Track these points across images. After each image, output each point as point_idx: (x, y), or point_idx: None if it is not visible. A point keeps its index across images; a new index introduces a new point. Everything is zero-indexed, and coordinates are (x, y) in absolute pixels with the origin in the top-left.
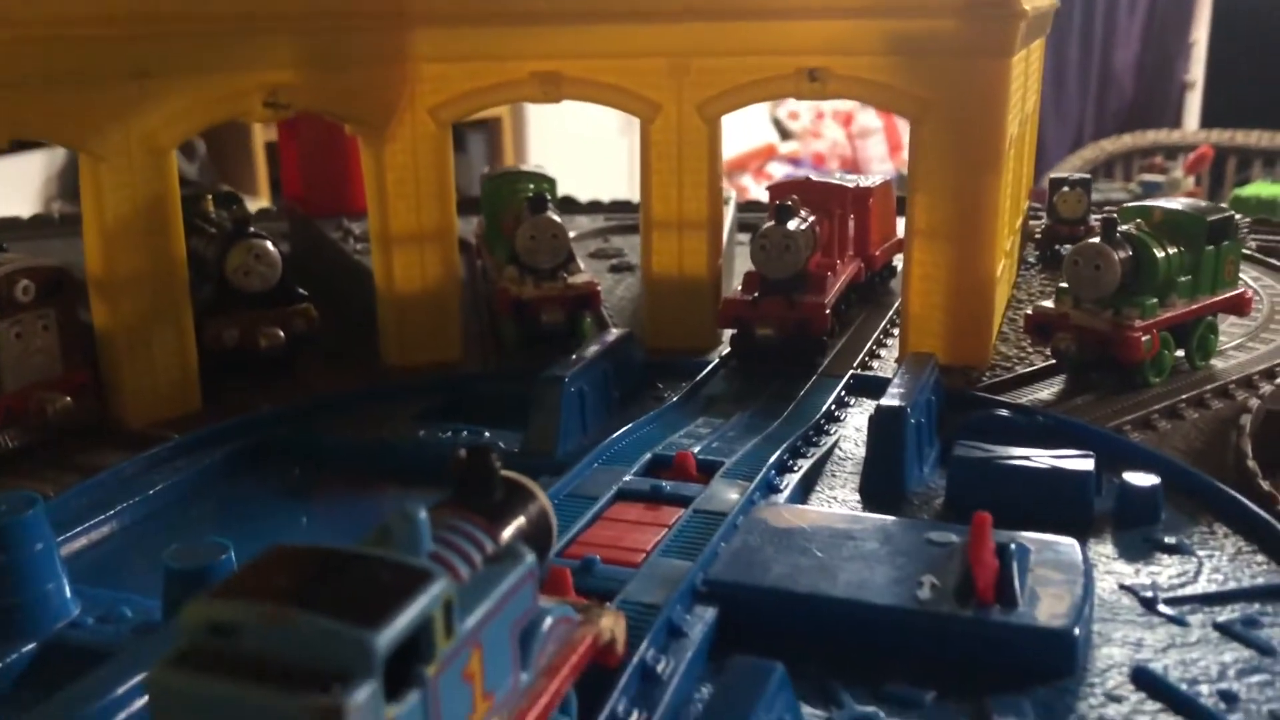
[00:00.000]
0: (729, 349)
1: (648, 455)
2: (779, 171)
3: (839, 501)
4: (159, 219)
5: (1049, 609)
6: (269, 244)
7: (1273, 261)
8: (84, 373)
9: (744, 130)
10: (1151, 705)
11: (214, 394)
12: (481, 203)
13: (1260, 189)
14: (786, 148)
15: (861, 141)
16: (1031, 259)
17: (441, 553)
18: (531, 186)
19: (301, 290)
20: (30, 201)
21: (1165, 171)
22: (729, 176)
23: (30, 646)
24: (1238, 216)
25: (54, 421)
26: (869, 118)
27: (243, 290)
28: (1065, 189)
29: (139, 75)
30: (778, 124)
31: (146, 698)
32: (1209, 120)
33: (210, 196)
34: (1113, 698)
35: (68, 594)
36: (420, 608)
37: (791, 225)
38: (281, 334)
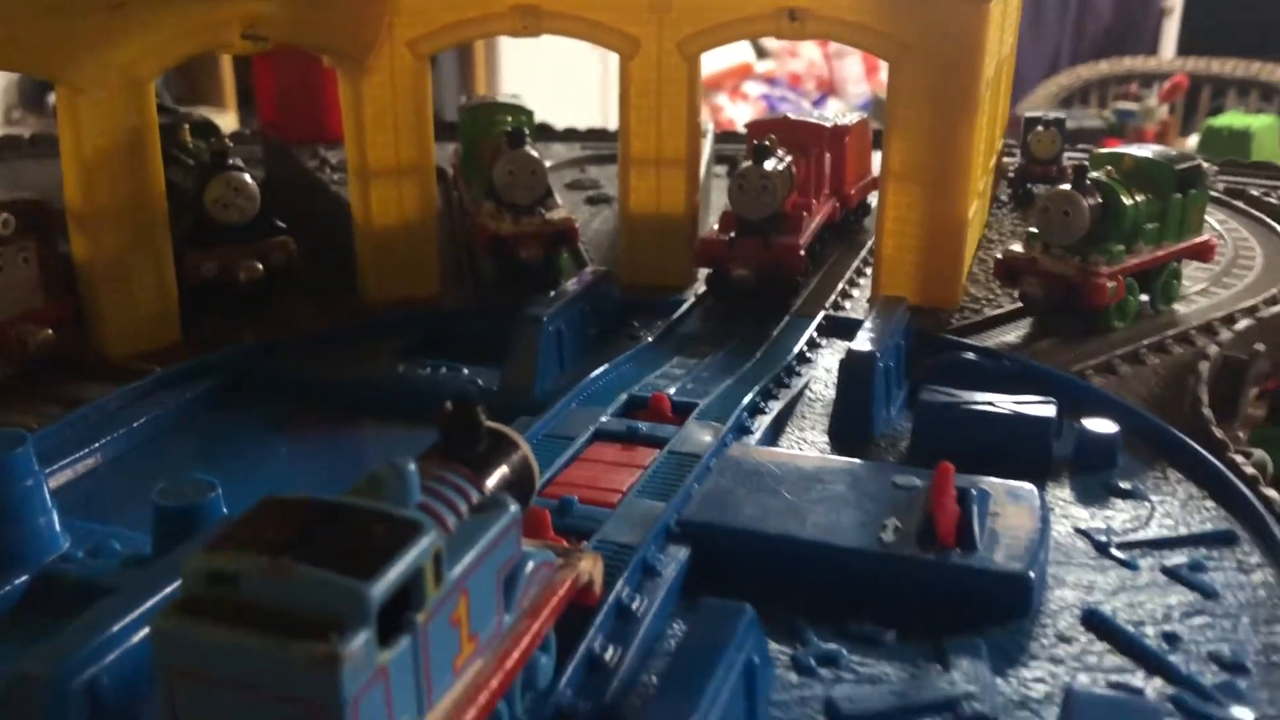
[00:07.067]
0: (704, 288)
1: (624, 396)
2: (755, 91)
3: (808, 443)
4: (137, 151)
5: (1006, 553)
6: (248, 177)
7: (1239, 204)
8: (64, 305)
9: (720, 49)
10: (1099, 646)
11: (194, 326)
12: (459, 134)
13: (1233, 119)
14: (763, 67)
15: (838, 62)
16: (1004, 198)
17: (430, 503)
18: (510, 119)
19: (280, 223)
20: None
21: (1140, 99)
22: (705, 96)
23: (23, 579)
24: (1205, 165)
25: (35, 354)
26: None
27: (221, 223)
28: (1039, 129)
29: (116, 5)
30: (754, 42)
31: (142, 634)
32: (1186, 48)
33: (188, 126)
34: (1063, 638)
35: (57, 528)
36: (411, 559)
37: (769, 165)
38: (260, 267)
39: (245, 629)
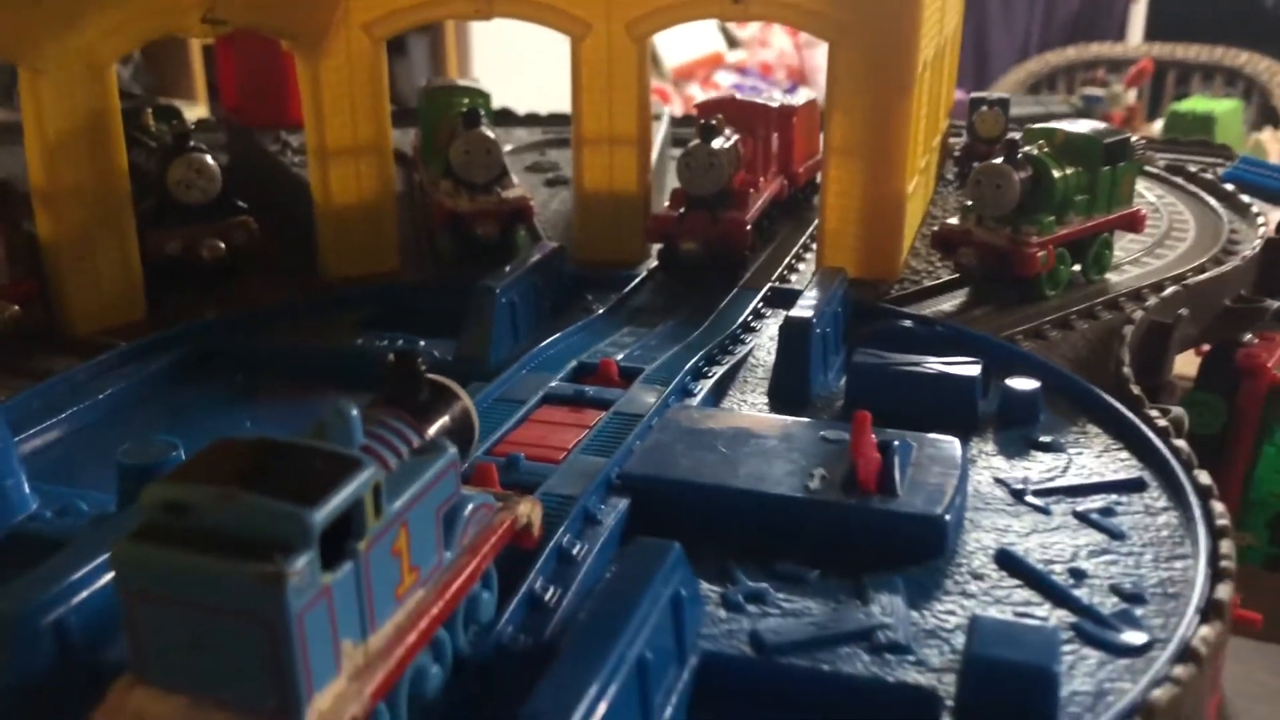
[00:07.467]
0: (656, 262)
1: (574, 362)
2: (726, 80)
3: (749, 405)
4: (100, 133)
5: (924, 498)
6: (208, 158)
7: (1178, 180)
8: (31, 282)
9: (691, 39)
10: (1010, 582)
11: (157, 304)
12: (418, 116)
13: (1197, 104)
14: (734, 56)
15: (809, 51)
16: (950, 176)
17: (372, 445)
18: (466, 101)
19: (241, 203)
20: None
21: (1106, 85)
22: (676, 85)
23: None
24: (1134, 138)
25: (2, 329)
26: None
27: (184, 203)
28: (984, 108)
29: None
30: (725, 32)
31: (104, 580)
32: (1153, 33)
33: (150, 110)
34: (976, 575)
35: (26, 490)
36: (352, 490)
37: (715, 143)
38: (222, 245)
39: (198, 552)
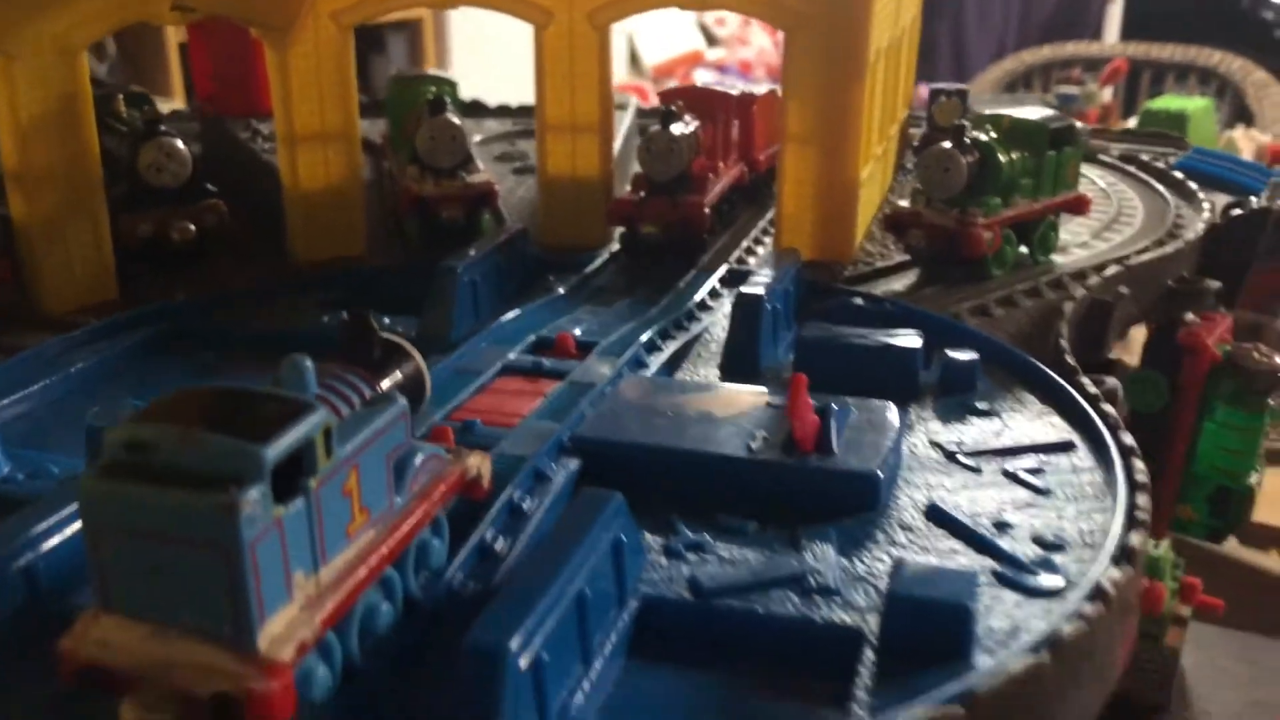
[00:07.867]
0: (618, 245)
1: (532, 336)
2: (705, 78)
3: (701, 376)
4: (72, 117)
5: (859, 456)
6: (179, 142)
7: (1129, 168)
8: (4, 262)
9: (671, 37)
10: (937, 532)
11: (129, 286)
12: (386, 105)
13: (1170, 102)
14: (713, 54)
15: None
16: (909, 165)
17: (326, 396)
18: (433, 89)
19: (210, 186)
20: None
21: (1081, 84)
22: (656, 83)
23: None
24: (1078, 125)
25: None
26: None
27: (155, 186)
28: (943, 98)
29: None
30: (705, 30)
31: (72, 529)
32: (1129, 33)
33: (122, 96)
34: (905, 527)
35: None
36: (303, 431)
37: (675, 129)
38: (193, 228)
39: (158, 485)
